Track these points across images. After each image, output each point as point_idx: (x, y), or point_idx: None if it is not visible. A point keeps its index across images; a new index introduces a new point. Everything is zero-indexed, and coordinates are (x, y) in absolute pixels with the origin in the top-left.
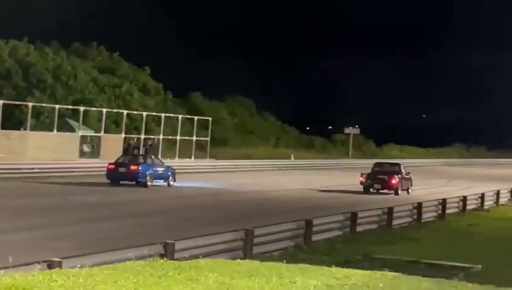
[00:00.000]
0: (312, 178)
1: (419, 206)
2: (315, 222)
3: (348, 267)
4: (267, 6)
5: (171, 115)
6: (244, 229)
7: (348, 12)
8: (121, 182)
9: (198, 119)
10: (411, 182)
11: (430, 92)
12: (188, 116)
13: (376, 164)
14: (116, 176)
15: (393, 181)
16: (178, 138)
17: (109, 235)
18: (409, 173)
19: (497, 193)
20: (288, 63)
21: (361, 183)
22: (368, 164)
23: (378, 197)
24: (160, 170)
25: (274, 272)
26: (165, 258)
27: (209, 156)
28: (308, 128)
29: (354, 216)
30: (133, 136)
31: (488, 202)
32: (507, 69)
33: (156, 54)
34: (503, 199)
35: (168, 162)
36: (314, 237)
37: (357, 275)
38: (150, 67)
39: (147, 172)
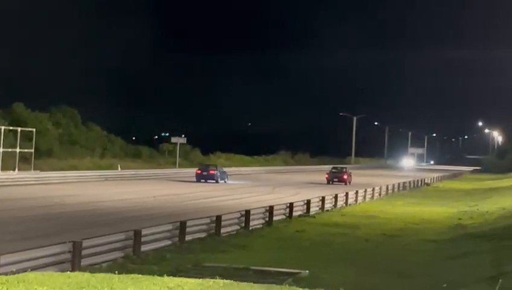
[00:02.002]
0: (139, 188)
1: (247, 214)
2: (144, 232)
3: (179, 276)
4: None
5: None
6: (71, 241)
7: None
8: (201, 180)
9: (21, 130)
10: (351, 177)
11: (255, 100)
12: (11, 128)
13: (333, 168)
14: (201, 177)
15: (345, 177)
16: (1, 150)
17: None
18: (351, 172)
19: (323, 199)
20: (111, 72)
21: (326, 178)
22: (195, 172)
23: (216, 204)
24: (222, 173)
25: (105, 284)
26: None
27: (34, 168)
28: (134, 138)
29: (183, 225)
30: None
31: (314, 208)
32: (330, 78)
33: None
34: (328, 205)
35: None
36: (143, 247)
37: (189, 284)
38: None
39: (218, 174)
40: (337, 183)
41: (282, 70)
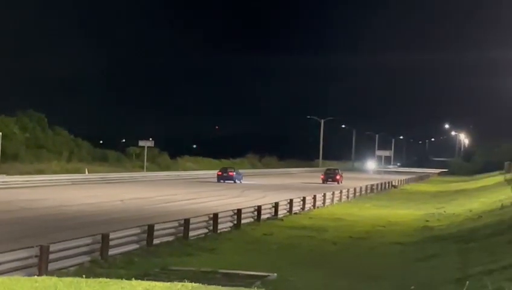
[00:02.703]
0: (107, 192)
1: (215, 217)
2: (111, 235)
3: (147, 280)
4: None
5: None
6: (38, 245)
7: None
8: (221, 181)
9: None
10: (343, 178)
11: (222, 103)
12: None
13: (327, 169)
14: (221, 178)
15: (337, 177)
16: None
17: None
18: (342, 173)
19: (290, 202)
20: (78, 75)
21: (322, 179)
22: (163, 176)
23: (184, 207)
24: (238, 174)
25: (73, 288)
26: None
27: (0, 172)
28: (101, 141)
29: (150, 229)
30: None
31: (282, 211)
32: (299, 81)
33: None
34: (296, 208)
35: None
36: (111, 251)
37: (157, 288)
38: None
39: (236, 175)
40: (330, 182)
41: (248, 72)
